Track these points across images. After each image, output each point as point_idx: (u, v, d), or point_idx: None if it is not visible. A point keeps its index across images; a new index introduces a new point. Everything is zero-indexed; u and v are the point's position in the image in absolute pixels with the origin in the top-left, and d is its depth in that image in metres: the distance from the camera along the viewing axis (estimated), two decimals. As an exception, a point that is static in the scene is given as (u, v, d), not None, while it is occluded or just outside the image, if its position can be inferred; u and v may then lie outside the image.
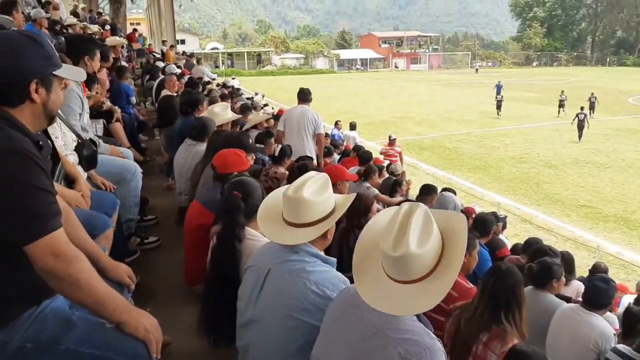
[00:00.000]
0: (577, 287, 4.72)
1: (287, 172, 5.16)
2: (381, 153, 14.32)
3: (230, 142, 3.80)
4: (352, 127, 16.65)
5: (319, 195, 2.13)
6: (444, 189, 6.55)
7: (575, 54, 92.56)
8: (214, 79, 18.16)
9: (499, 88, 31.46)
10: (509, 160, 19.31)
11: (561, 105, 29.53)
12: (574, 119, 22.90)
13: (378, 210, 3.99)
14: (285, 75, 69.62)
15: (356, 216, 3.82)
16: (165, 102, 6.13)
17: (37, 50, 1.73)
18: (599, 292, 3.65)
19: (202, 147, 4.43)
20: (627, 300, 5.34)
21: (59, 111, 3.39)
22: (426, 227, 1.69)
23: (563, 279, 3.90)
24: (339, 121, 17.86)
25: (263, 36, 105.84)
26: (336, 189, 4.22)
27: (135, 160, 4.72)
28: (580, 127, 22.41)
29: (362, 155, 7.80)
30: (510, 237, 11.45)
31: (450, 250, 1.72)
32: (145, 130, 8.26)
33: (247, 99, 11.79)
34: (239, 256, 2.54)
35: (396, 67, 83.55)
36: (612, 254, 10.55)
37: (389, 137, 15.03)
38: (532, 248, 4.79)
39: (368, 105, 35.90)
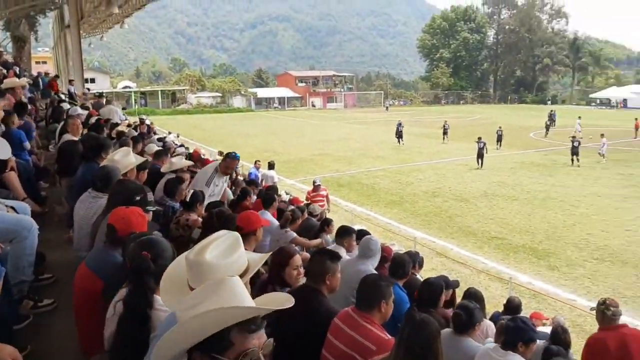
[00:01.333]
0: (485, 327, 4.75)
1: (199, 219, 4.92)
2: (307, 199, 13.93)
3: (131, 199, 3.48)
4: (271, 166, 16.51)
5: (225, 257, 1.96)
6: (360, 231, 6.49)
7: (480, 92, 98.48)
8: (125, 120, 17.51)
9: (399, 125, 34.80)
10: (423, 194, 19.90)
11: (445, 132, 35.71)
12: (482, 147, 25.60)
13: (303, 260, 3.86)
14: (201, 114, 68.90)
15: (275, 270, 3.66)
16: (65, 148, 5.69)
17: None
18: (508, 331, 3.68)
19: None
20: (543, 333, 5.39)
21: None
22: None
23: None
24: (258, 161, 17.73)
25: (178, 74, 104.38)
26: (254, 236, 4.05)
27: (33, 211, 4.32)
28: (480, 155, 25.44)
29: (264, 198, 7.22)
30: (428, 271, 11.68)
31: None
32: (46, 178, 7.68)
33: (159, 139, 11.34)
34: (151, 325, 2.28)
35: (313, 105, 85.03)
36: (523, 284, 10.96)
37: (313, 182, 14.59)
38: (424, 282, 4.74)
39: (287, 144, 36.11)
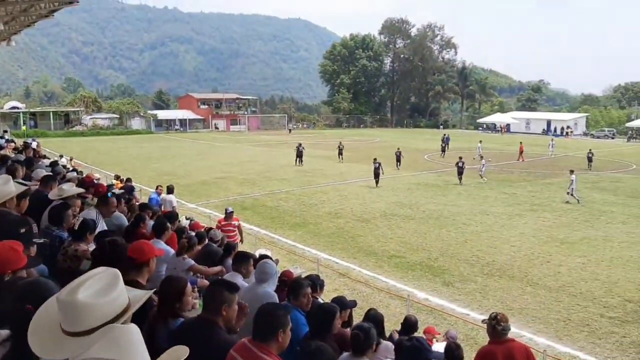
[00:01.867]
0: (384, 347, 4.85)
1: (89, 250, 4.66)
2: (217, 228, 12.92)
3: (14, 232, 3.21)
4: (170, 190, 15.87)
5: (101, 296, 1.85)
6: (262, 256, 6.46)
7: (378, 117, 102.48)
8: (11, 141, 16.33)
9: (299, 146, 36.91)
10: (326, 216, 20.22)
11: (340, 152, 38.91)
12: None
13: (203, 288, 3.76)
14: (97, 136, 66.02)
15: (168, 302, 3.54)
16: None
17: None
18: (405, 352, 3.83)
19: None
20: (438, 353, 5.61)
21: None
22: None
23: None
24: (160, 186, 17.08)
25: (72, 95, 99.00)
26: (147, 267, 3.91)
27: None
28: (376, 175, 27.19)
29: (155, 226, 6.60)
30: (331, 292, 11.83)
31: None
32: None
33: (48, 165, 10.59)
34: None
35: (216, 128, 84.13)
36: (421, 301, 11.41)
37: (225, 210, 13.49)
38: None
39: (188, 166, 35.34)
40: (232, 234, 12.39)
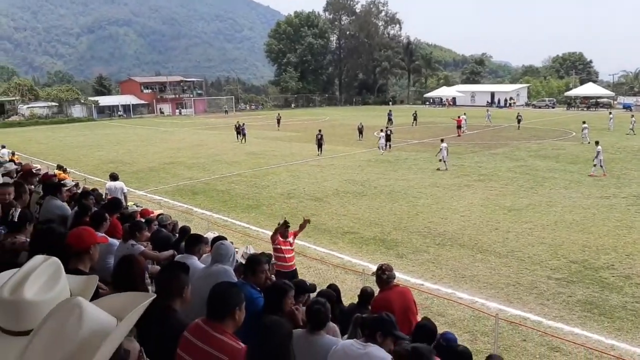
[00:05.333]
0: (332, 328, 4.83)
1: (27, 241, 4.44)
2: (276, 251, 9.42)
3: None
4: (114, 177, 15.23)
5: (47, 290, 1.68)
6: (216, 238, 6.36)
7: (327, 95, 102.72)
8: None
9: (241, 127, 40.03)
10: (279, 197, 20.13)
11: (239, 132, 40.21)
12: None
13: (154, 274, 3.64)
14: (36, 126, 63.28)
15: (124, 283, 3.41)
16: None
17: None
18: (369, 323, 3.86)
19: None
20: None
21: None
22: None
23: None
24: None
25: (5, 84, 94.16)
26: (88, 254, 3.76)
27: None
28: (319, 145, 31.41)
29: (92, 217, 6.15)
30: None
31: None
32: None
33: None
34: None
35: (161, 112, 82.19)
36: (376, 274, 11.54)
37: (282, 223, 9.50)
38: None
39: (134, 153, 34.42)
40: (289, 255, 9.48)
